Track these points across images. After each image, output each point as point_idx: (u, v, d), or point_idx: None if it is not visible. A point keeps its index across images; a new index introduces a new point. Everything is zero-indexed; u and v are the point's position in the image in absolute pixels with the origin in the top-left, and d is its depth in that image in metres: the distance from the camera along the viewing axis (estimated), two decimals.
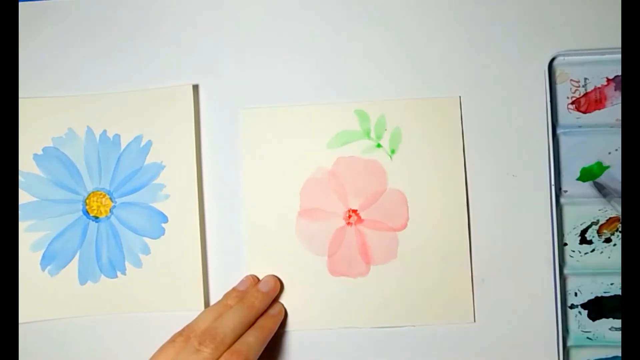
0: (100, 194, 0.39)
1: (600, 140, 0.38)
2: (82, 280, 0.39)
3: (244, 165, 0.39)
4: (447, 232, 0.38)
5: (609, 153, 0.38)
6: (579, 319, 0.38)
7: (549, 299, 0.37)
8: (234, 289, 0.38)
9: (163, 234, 0.39)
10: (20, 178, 0.39)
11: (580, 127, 0.38)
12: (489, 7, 0.39)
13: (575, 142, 0.38)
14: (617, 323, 0.37)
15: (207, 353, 0.32)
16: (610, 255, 0.37)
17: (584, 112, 0.38)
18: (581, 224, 0.38)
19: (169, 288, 0.39)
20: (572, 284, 0.38)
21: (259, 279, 0.38)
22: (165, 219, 0.39)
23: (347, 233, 0.38)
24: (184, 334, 0.34)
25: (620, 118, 0.38)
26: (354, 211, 0.38)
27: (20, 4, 0.41)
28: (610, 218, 0.37)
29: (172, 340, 0.34)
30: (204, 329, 0.34)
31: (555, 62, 0.38)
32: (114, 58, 0.40)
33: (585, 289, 0.38)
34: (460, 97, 0.39)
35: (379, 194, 0.38)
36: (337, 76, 0.39)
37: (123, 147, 0.39)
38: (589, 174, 0.38)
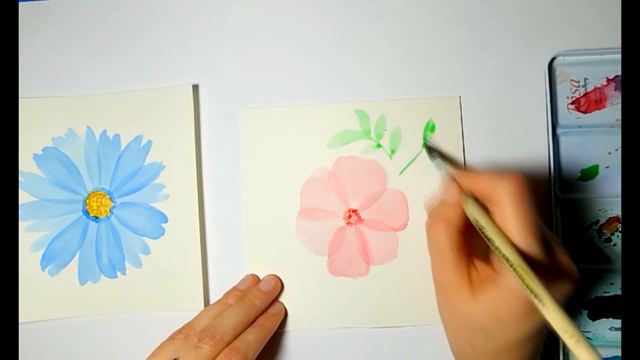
0: (100, 194, 0.39)
1: (600, 140, 0.38)
2: (82, 280, 0.39)
3: (244, 165, 0.39)
4: None
5: (609, 153, 0.38)
6: (578, 319, 0.37)
7: None
8: (234, 288, 0.38)
9: (163, 234, 0.39)
10: (20, 178, 0.39)
11: (580, 127, 0.38)
12: (488, 7, 0.39)
13: (575, 142, 0.38)
14: (617, 323, 0.37)
15: (206, 350, 0.32)
16: (611, 255, 0.37)
17: (584, 112, 0.38)
18: (581, 224, 0.38)
19: (169, 288, 0.39)
20: None
21: (259, 279, 0.38)
22: (165, 219, 0.39)
23: (347, 233, 0.38)
24: (183, 332, 0.34)
25: (620, 118, 0.38)
26: (354, 211, 0.38)
27: (20, 4, 0.41)
28: (610, 218, 0.37)
29: (172, 337, 0.34)
30: (204, 327, 0.34)
31: (555, 62, 0.38)
32: (113, 58, 0.40)
33: (585, 288, 0.38)
34: (460, 97, 0.39)
35: (379, 194, 0.38)
36: (337, 76, 0.39)
37: (123, 147, 0.39)
38: (588, 175, 0.38)
